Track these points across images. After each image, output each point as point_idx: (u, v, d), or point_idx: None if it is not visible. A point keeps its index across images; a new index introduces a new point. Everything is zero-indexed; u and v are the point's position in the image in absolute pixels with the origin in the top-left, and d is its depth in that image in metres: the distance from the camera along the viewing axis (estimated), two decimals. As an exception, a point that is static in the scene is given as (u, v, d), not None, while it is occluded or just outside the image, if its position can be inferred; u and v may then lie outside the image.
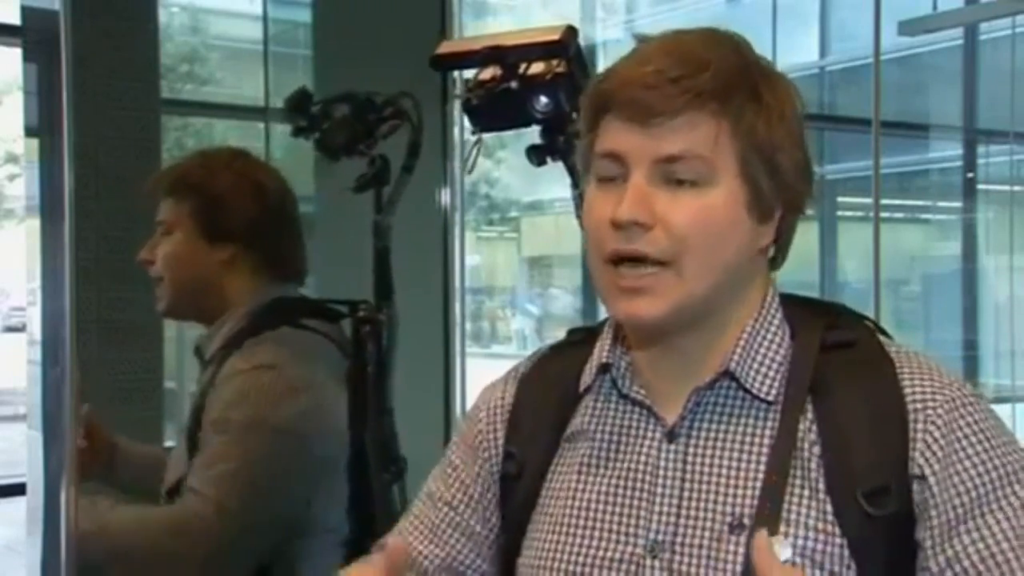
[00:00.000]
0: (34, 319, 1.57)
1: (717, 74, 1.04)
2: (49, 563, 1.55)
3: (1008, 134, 8.99)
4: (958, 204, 10.49)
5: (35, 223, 1.57)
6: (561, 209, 11.01)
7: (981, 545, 1.00)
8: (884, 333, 1.13)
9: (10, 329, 12.81)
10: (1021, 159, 9.41)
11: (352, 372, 1.84)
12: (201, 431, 1.82)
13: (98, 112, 3.58)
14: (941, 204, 11.06)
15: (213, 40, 7.94)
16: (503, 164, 10.06)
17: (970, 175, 10.18)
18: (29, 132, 1.66)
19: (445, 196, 4.21)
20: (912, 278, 10.19)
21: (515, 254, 12.25)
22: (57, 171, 1.50)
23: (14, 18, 1.73)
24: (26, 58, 1.72)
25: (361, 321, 1.84)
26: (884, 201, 6.06)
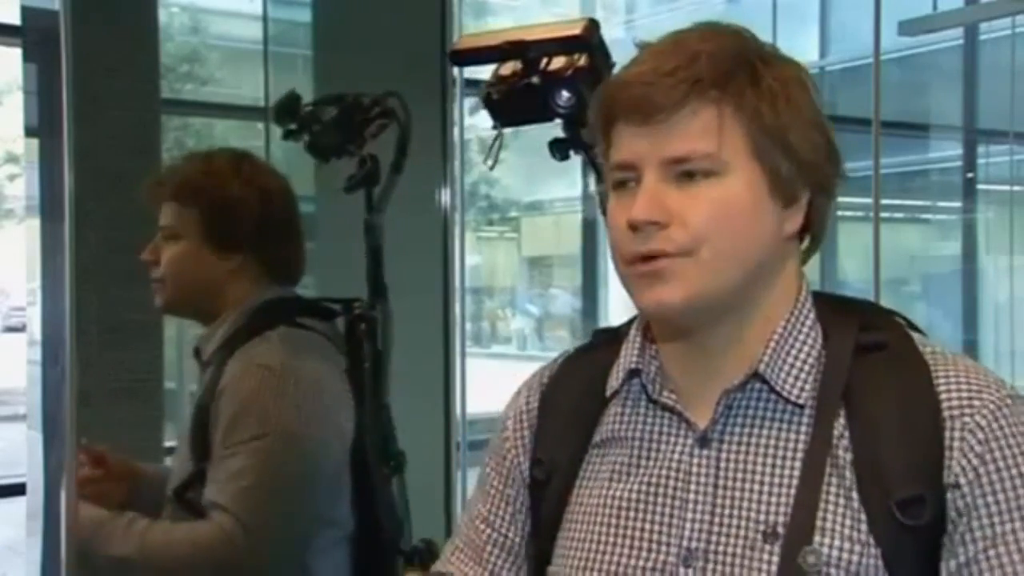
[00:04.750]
0: (34, 319, 1.58)
1: (711, 61, 1.03)
2: (49, 563, 1.55)
3: (1008, 134, 8.99)
4: (958, 204, 10.49)
5: (35, 223, 1.58)
6: (561, 209, 11.01)
7: (1022, 567, 0.98)
8: (915, 328, 1.11)
9: (10, 329, 12.81)
10: (1021, 159, 9.42)
11: (349, 369, 1.86)
12: (209, 436, 1.81)
13: (98, 112, 3.57)
14: (941, 204, 11.06)
15: (213, 40, 7.93)
16: (503, 164, 10.05)
17: (970, 175, 10.18)
18: (29, 132, 1.67)
19: (445, 196, 4.20)
20: (912, 278, 10.19)
21: (515, 254, 12.25)
22: (57, 171, 1.50)
23: (14, 18, 1.73)
24: (26, 58, 1.72)
25: (356, 319, 1.85)
26: (884, 201, 6.05)
